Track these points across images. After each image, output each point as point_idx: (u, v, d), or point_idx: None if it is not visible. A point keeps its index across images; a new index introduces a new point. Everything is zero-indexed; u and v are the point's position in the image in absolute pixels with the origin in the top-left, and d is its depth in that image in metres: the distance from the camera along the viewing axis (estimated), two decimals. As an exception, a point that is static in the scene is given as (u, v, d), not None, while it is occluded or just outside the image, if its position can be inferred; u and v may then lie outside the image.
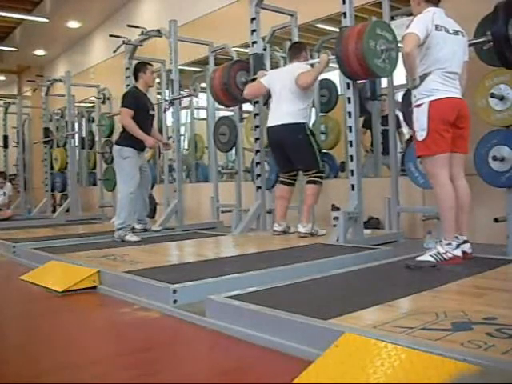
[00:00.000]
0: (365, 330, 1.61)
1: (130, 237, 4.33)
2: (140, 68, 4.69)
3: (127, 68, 6.12)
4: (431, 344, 1.46)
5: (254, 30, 4.71)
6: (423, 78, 2.81)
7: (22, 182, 9.61)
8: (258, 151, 4.88)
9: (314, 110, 5.88)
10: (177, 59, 5.51)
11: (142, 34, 5.86)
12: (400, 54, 2.98)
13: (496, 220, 3.44)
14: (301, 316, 1.77)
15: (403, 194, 4.44)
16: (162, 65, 6.76)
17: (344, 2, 3.88)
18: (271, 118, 4.30)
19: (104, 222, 7.02)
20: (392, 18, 4.59)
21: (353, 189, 3.93)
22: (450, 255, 2.74)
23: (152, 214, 6.81)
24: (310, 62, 4.28)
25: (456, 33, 2.89)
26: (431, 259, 2.74)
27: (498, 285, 2.30)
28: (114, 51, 6.09)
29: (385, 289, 2.31)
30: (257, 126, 4.86)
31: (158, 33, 5.78)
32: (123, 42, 5.99)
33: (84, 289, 2.78)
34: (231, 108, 5.90)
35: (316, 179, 4.22)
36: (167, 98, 5.78)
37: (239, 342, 1.86)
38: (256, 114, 4.90)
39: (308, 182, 4.26)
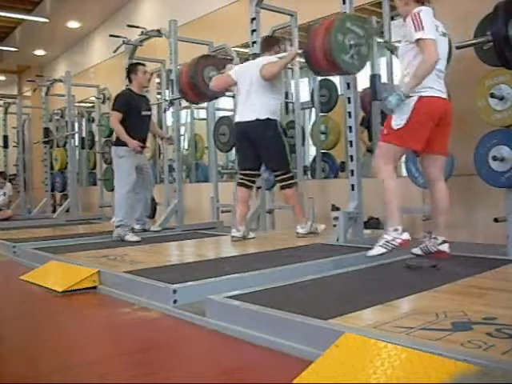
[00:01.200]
0: (365, 330, 1.61)
1: (131, 237, 4.33)
2: (132, 69, 4.70)
3: (127, 68, 6.11)
4: (431, 344, 1.46)
5: (253, 30, 4.71)
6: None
7: (21, 181, 9.60)
8: (258, 151, 4.87)
9: (313, 110, 5.90)
10: (177, 59, 5.51)
11: (142, 33, 5.86)
12: (419, 60, 2.77)
13: (496, 220, 3.44)
14: (301, 316, 1.77)
15: (403, 194, 4.43)
16: (161, 65, 6.75)
17: (344, 2, 3.88)
18: (240, 113, 4.10)
19: (104, 221, 7.02)
20: (392, 18, 4.58)
21: (353, 189, 3.93)
22: (399, 240, 2.74)
23: (152, 214, 6.82)
24: (280, 55, 4.04)
25: (444, 35, 2.92)
26: (382, 250, 2.74)
27: (498, 285, 2.30)
28: (114, 51, 6.10)
29: (385, 289, 2.30)
30: (257, 126, 4.86)
31: (158, 33, 5.78)
32: (123, 42, 5.99)
33: (84, 289, 2.79)
34: (231, 108, 5.90)
35: (289, 182, 4.08)
36: (167, 98, 5.78)
37: (239, 342, 1.86)
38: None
39: (282, 188, 4.13)
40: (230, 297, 2.11)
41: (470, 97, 3.67)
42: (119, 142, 4.51)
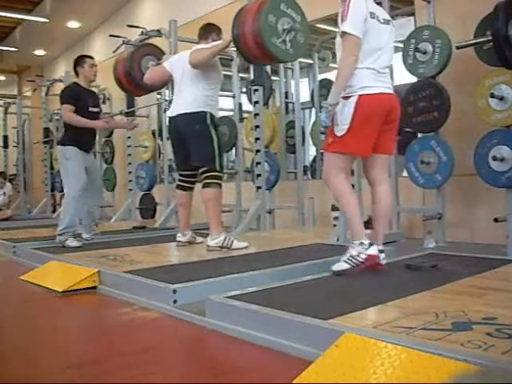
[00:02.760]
0: (365, 330, 1.61)
1: (71, 242, 4.06)
2: (78, 62, 4.36)
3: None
4: (431, 344, 1.46)
5: (253, 30, 4.70)
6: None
7: (21, 181, 9.61)
8: (258, 151, 4.88)
9: (313, 110, 5.90)
10: (177, 59, 5.50)
11: (142, 33, 5.86)
12: (337, 58, 2.61)
13: (496, 220, 3.44)
14: (301, 316, 1.77)
15: (403, 194, 4.44)
16: (161, 65, 6.74)
17: (344, 2, 3.87)
18: (172, 108, 3.77)
19: (104, 222, 7.02)
20: (392, 18, 4.58)
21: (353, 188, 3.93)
22: (364, 256, 2.51)
23: (152, 214, 6.82)
24: (215, 43, 3.67)
25: (387, 22, 2.63)
26: (346, 265, 2.52)
27: (497, 285, 2.30)
28: (114, 51, 6.09)
29: (385, 289, 2.30)
30: (257, 126, 4.86)
31: (158, 33, 5.78)
32: (123, 42, 5.99)
33: (84, 289, 2.79)
34: (231, 108, 5.90)
35: (212, 181, 3.63)
36: (167, 98, 5.78)
37: (239, 342, 1.86)
38: (256, 114, 4.90)
39: (203, 186, 3.66)
40: (230, 297, 2.11)
41: (470, 97, 3.67)
42: (67, 142, 4.25)
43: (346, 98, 2.54)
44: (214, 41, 3.75)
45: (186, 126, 3.63)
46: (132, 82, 4.59)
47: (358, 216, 2.58)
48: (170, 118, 3.77)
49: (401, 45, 4.22)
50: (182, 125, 3.65)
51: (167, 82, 3.92)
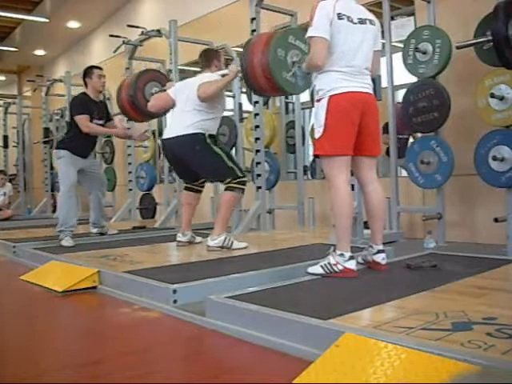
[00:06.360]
0: (365, 330, 1.61)
1: (66, 241, 4.09)
2: (86, 73, 4.48)
3: (127, 68, 6.12)
4: (431, 344, 1.46)
5: (253, 30, 4.70)
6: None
7: (21, 182, 9.61)
8: (258, 151, 4.88)
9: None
10: (177, 59, 5.51)
11: (142, 33, 5.86)
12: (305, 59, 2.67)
13: (496, 220, 3.44)
14: (301, 316, 1.77)
15: (403, 194, 4.44)
16: (161, 65, 6.75)
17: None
18: (167, 130, 3.83)
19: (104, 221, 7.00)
20: (392, 18, 4.59)
21: (353, 189, 3.91)
22: (340, 267, 2.49)
23: (152, 214, 6.82)
24: (221, 72, 3.69)
25: (362, 22, 2.57)
26: (321, 271, 2.52)
27: (497, 285, 2.30)
28: (114, 51, 6.10)
29: (385, 289, 2.30)
30: (257, 126, 4.86)
31: (158, 33, 5.79)
32: (123, 42, 6.00)
33: (84, 289, 2.79)
34: (231, 108, 5.90)
35: (235, 186, 3.60)
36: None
37: (239, 342, 1.86)
38: (256, 114, 4.90)
39: (226, 189, 3.64)
40: (230, 297, 2.11)
41: (470, 97, 3.67)
42: (61, 146, 4.35)
43: (318, 100, 2.56)
44: (216, 67, 3.79)
45: (184, 147, 3.63)
46: (135, 109, 4.64)
47: (348, 230, 2.54)
48: (164, 140, 3.77)
49: (401, 45, 4.22)
50: (177, 147, 3.65)
51: (171, 108, 3.93)
